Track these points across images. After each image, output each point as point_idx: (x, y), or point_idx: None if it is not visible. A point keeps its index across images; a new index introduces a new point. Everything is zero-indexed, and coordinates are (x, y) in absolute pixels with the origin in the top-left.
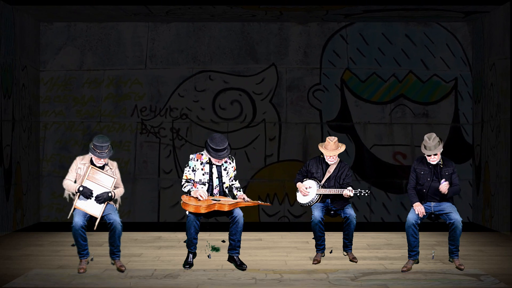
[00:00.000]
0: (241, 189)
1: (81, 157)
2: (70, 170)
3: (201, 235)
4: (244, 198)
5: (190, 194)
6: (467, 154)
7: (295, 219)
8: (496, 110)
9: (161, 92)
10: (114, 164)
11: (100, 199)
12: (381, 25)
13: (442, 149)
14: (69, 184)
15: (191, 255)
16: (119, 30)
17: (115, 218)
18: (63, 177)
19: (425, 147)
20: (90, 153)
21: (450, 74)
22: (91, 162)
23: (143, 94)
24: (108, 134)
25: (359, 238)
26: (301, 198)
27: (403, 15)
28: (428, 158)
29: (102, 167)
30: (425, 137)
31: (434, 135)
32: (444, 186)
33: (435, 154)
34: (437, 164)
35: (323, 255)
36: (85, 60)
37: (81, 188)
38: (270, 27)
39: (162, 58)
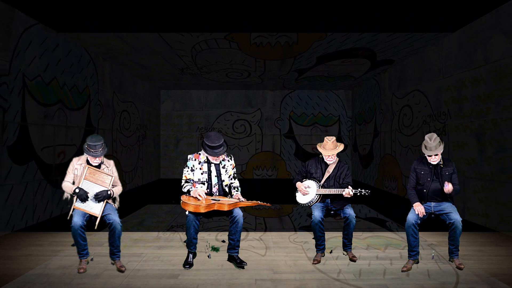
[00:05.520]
0: (239, 189)
1: (77, 158)
2: (67, 172)
3: (201, 235)
4: (239, 198)
5: (189, 194)
6: (344, 149)
7: (269, 177)
8: (425, 120)
9: (209, 121)
10: (110, 163)
11: (100, 197)
12: (307, 91)
13: (442, 150)
14: (67, 186)
15: (191, 255)
16: (191, 93)
17: (115, 218)
18: (166, 158)
19: (425, 147)
20: (85, 153)
21: (336, 113)
22: (88, 162)
23: (201, 121)
24: (185, 140)
25: (359, 238)
26: (301, 198)
27: (317, 87)
28: (428, 158)
29: (98, 166)
30: (426, 137)
31: (435, 135)
32: (449, 187)
33: (436, 155)
34: (437, 164)
35: (323, 255)
36: (175, 106)
37: (77, 190)
38: (258, 92)
39: (210, 106)
